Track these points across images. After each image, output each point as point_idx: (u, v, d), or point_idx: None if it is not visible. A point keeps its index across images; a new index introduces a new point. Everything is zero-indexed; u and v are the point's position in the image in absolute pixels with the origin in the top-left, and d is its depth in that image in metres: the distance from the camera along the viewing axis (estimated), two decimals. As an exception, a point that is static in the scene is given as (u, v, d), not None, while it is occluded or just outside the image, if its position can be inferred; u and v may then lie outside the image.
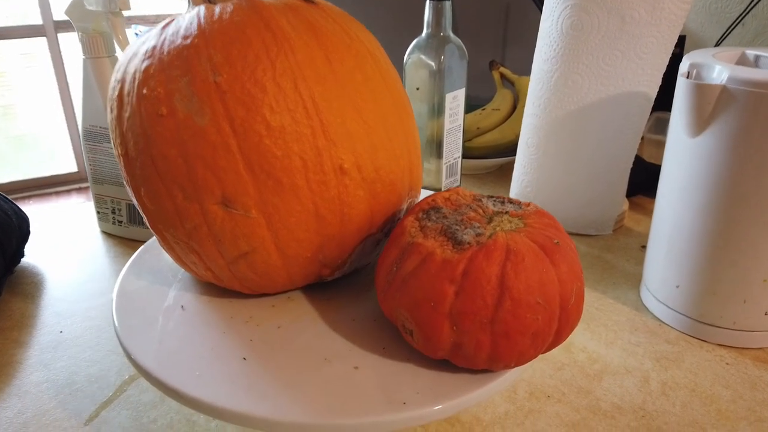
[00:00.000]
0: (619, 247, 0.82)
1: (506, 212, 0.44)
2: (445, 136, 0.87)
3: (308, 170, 0.43)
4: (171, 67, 0.41)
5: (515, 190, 0.87)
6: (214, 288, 0.51)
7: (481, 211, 0.44)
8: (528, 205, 0.47)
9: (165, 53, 0.42)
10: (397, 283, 0.41)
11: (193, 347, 0.43)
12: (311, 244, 0.45)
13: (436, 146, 0.88)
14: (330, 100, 0.43)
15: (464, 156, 1.03)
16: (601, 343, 0.64)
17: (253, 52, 0.41)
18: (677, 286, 0.64)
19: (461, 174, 0.94)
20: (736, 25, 1.24)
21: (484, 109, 1.08)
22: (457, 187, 0.49)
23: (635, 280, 0.75)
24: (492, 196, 0.47)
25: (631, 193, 0.94)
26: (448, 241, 0.41)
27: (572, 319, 0.42)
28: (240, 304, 0.49)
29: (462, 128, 0.90)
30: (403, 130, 0.48)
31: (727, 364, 0.61)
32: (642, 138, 0.94)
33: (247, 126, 0.41)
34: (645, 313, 0.69)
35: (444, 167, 0.89)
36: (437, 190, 0.88)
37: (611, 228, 0.86)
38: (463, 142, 1.05)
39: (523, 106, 1.03)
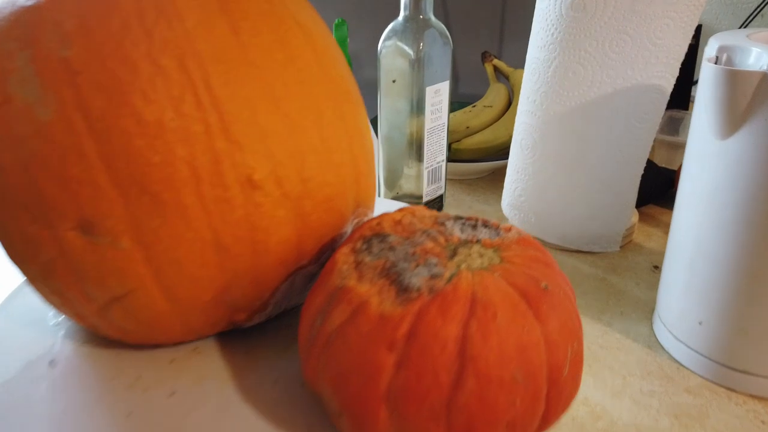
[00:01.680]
0: (628, 267, 0.70)
1: (477, 241, 0.32)
2: (426, 137, 0.75)
3: (201, 183, 0.31)
4: (6, 37, 0.30)
5: (507, 199, 0.75)
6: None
7: (442, 239, 0.32)
8: (508, 229, 0.35)
9: None
10: (320, 344, 0.29)
11: (44, 426, 0.31)
12: (212, 283, 0.33)
13: (416, 148, 0.76)
14: (235, 85, 0.31)
15: (452, 159, 0.91)
16: (607, 392, 0.51)
17: (120, 17, 0.29)
18: (700, 322, 0.52)
19: (447, 179, 0.82)
20: (755, 15, 1.11)
21: (474, 106, 0.96)
22: (420, 206, 0.36)
23: (647, 308, 0.63)
24: (461, 218, 0.35)
25: (640, 203, 0.81)
26: (391, 286, 0.29)
27: (566, 395, 0.30)
28: (130, 358, 0.37)
29: (446, 127, 0.78)
30: (345, 128, 0.36)
31: (763, 422, 0.48)
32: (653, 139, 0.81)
33: (110, 121, 0.29)
34: (659, 352, 0.56)
35: (425, 172, 0.77)
36: (417, 198, 0.76)
37: (618, 244, 0.74)
38: (450, 143, 0.92)
39: (518, 103, 0.90)
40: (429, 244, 0.31)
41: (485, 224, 0.35)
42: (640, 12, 0.60)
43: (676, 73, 0.63)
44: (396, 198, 0.76)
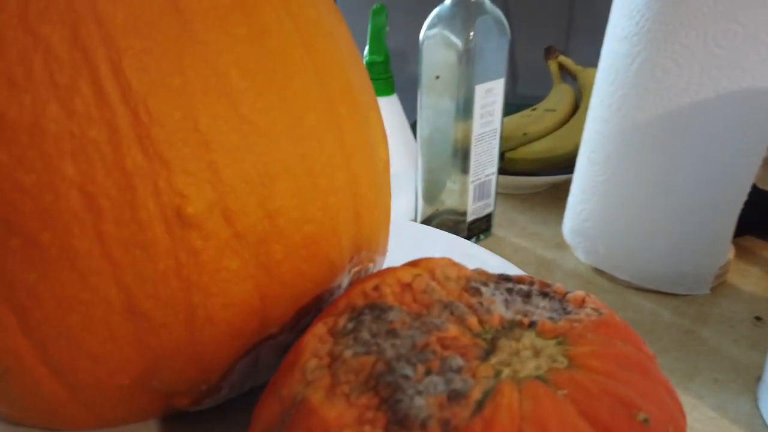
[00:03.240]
0: (722, 316, 0.55)
1: (531, 324, 0.20)
2: (473, 144, 0.63)
3: (102, 219, 0.20)
4: None
5: (570, 223, 0.62)
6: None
7: (474, 320, 0.21)
8: (580, 303, 0.22)
9: None
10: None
11: None
12: (127, 363, 0.22)
13: (461, 157, 0.64)
14: (160, 70, 0.20)
15: (504, 171, 0.78)
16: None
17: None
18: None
19: (497, 194, 0.69)
20: None
21: (534, 110, 0.83)
22: (443, 258, 0.24)
23: (749, 375, 0.48)
24: (507, 279, 0.23)
25: (737, 234, 0.66)
26: (379, 412, 0.17)
27: None
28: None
29: (499, 134, 0.65)
30: (340, 139, 0.25)
31: None
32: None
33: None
34: (768, 441, 0.42)
35: (471, 186, 0.64)
36: (461, 215, 0.64)
37: (709, 286, 0.59)
38: (503, 152, 0.80)
39: (587, 107, 0.76)
40: (452, 330, 0.20)
41: (544, 292, 0.22)
42: (760, -7, 0.46)
43: (806, 75, 0.48)
44: (436, 215, 0.64)
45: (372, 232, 0.27)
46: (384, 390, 0.17)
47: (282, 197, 0.23)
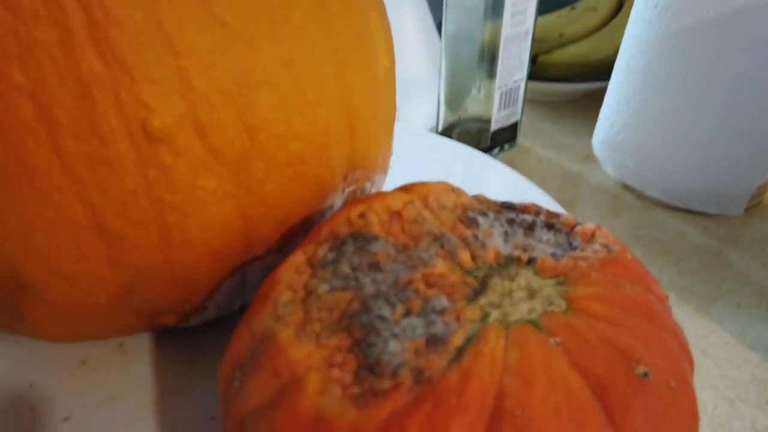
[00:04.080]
0: (753, 238, 0.52)
1: (530, 261, 0.19)
2: (501, 48, 0.58)
3: (59, 133, 0.18)
4: None
5: (601, 135, 0.58)
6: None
7: (466, 255, 0.19)
8: (590, 236, 0.20)
9: None
10: (232, 426, 0.17)
11: None
12: (102, 283, 0.21)
13: (488, 61, 0.60)
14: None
15: (536, 76, 0.73)
16: (704, 422, 0.38)
17: None
18: None
19: (526, 101, 0.65)
20: None
21: (573, 8, 0.76)
22: (440, 182, 0.22)
23: (775, 303, 0.46)
24: (510, 207, 0.21)
25: None
26: (350, 355, 0.16)
27: None
28: (28, 354, 0.27)
29: (531, 36, 0.60)
30: (330, 42, 0.22)
31: None
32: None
33: None
34: (790, 372, 0.41)
35: (497, 94, 0.60)
36: (486, 123, 0.60)
37: (743, 206, 0.56)
38: (536, 55, 0.75)
39: (631, 6, 0.69)
40: (440, 266, 0.18)
41: (550, 223, 0.20)
42: None
43: None
44: (459, 122, 0.61)
45: (369, 149, 0.25)
46: (357, 331, 0.16)
47: (263, 110, 0.20)
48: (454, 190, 0.21)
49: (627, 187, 0.54)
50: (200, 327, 0.29)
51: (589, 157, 0.59)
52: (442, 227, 0.19)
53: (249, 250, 0.23)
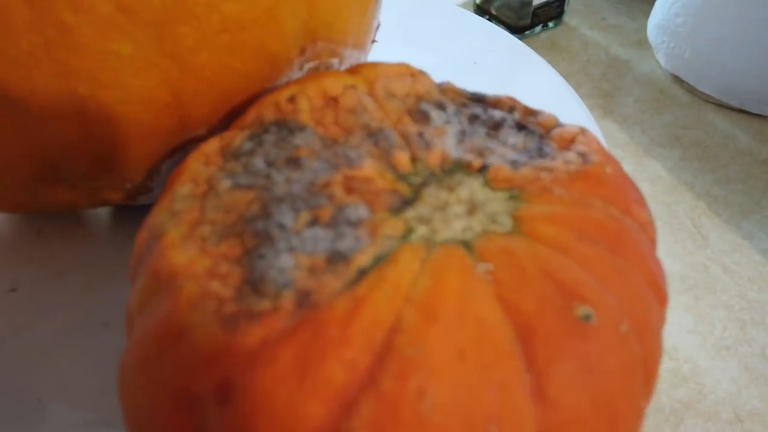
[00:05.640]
0: (814, 148, 0.47)
1: (482, 168, 0.15)
2: None
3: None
4: None
5: (657, 17, 0.51)
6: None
7: (404, 156, 0.16)
8: (569, 142, 0.17)
9: None
10: (127, 314, 0.16)
11: None
12: (20, 159, 0.19)
13: None
14: None
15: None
16: (708, 347, 0.35)
17: None
18: None
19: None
20: None
21: None
22: (398, 64, 0.18)
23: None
24: (480, 100, 0.18)
25: None
26: (236, 267, 0.13)
27: None
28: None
29: None
30: None
31: None
32: None
33: None
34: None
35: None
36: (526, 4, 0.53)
37: (810, 110, 0.49)
38: None
39: None
40: (367, 168, 0.15)
41: (522, 123, 0.17)
42: None
43: None
44: (492, -6, 0.54)
45: (334, 17, 0.21)
46: (250, 239, 0.14)
47: (187, -38, 0.17)
48: (414, 75, 0.18)
49: (677, 80, 0.48)
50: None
51: (642, 43, 0.52)
52: (383, 121, 0.16)
53: (186, 129, 0.20)
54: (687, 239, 0.38)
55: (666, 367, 0.33)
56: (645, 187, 0.41)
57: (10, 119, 0.18)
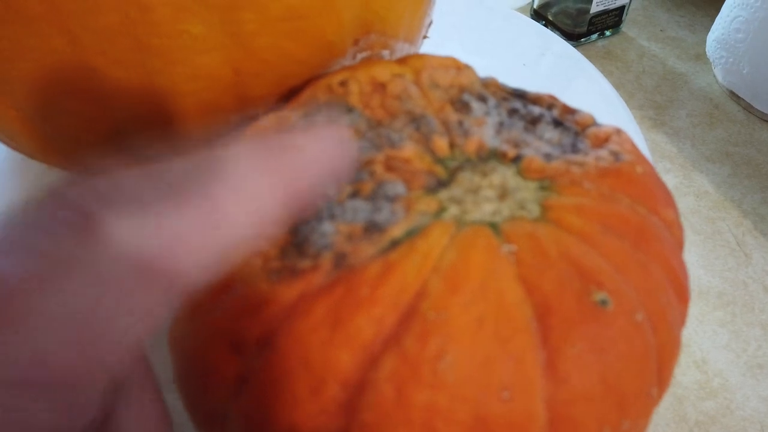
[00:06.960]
0: None
1: (516, 159, 0.16)
2: None
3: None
4: None
5: (717, 32, 0.50)
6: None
7: (443, 142, 0.17)
8: (603, 139, 0.17)
9: None
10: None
11: None
12: (93, 121, 0.21)
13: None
14: None
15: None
16: (732, 362, 0.35)
17: None
18: None
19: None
20: None
21: None
22: (445, 57, 0.19)
23: None
24: (521, 95, 0.19)
25: None
26: (287, 233, 0.15)
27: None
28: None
29: None
30: None
31: None
32: None
33: None
34: None
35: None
36: (586, 4, 0.53)
37: None
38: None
39: None
40: (407, 150, 0.16)
41: (559, 120, 0.18)
42: None
43: None
44: (557, 1, 0.54)
45: (388, 11, 0.22)
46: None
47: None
48: (459, 68, 0.19)
49: (733, 96, 0.48)
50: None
51: (700, 57, 0.52)
52: (427, 108, 0.17)
53: (244, 106, 0.22)
54: (728, 255, 0.38)
55: (695, 378, 0.33)
56: (690, 201, 0.41)
57: (91, 84, 0.20)
